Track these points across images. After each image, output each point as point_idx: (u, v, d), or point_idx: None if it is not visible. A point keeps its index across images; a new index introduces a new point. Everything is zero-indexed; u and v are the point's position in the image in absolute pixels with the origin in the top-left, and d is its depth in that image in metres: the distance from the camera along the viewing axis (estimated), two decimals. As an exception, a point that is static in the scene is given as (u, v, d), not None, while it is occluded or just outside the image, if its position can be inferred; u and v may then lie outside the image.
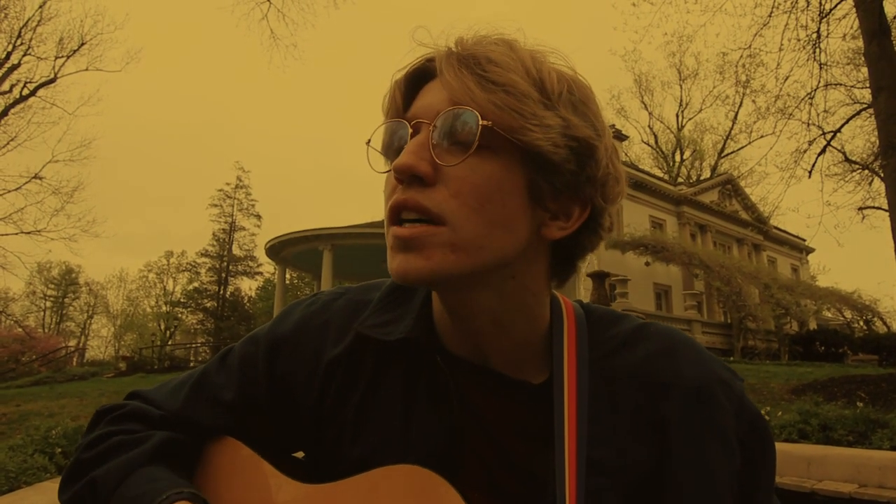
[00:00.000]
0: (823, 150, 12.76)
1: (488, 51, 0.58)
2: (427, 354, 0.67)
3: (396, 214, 0.59)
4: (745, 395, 0.66)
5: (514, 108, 0.56)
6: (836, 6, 11.41)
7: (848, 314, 27.24)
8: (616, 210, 0.66)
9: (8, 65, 22.46)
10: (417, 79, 0.63)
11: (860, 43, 11.31)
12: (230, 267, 40.56)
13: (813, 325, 26.18)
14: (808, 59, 11.79)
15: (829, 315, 28.79)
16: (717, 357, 0.69)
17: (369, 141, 0.64)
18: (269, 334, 0.75)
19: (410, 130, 0.60)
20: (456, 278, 0.59)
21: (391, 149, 0.62)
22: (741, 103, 22.12)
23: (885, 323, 26.17)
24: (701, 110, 42.50)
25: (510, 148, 0.57)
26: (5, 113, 22.52)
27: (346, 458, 0.68)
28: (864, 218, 15.84)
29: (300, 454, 0.77)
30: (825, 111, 12.88)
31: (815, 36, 11.55)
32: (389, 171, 0.60)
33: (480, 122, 0.56)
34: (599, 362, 0.66)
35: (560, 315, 0.69)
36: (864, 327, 26.18)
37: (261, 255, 36.26)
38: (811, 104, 12.22)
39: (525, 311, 0.66)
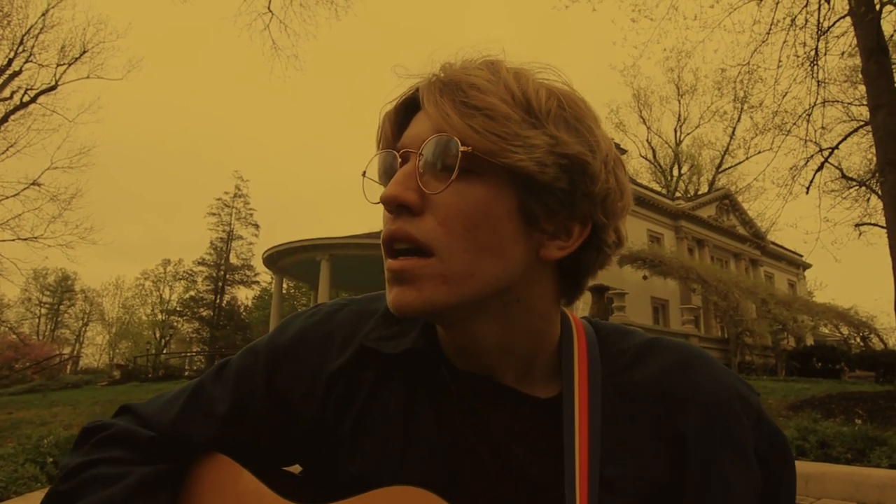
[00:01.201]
0: (821, 167, 12.81)
1: (470, 76, 0.58)
2: (431, 367, 0.65)
3: (389, 246, 0.59)
4: (762, 409, 0.64)
5: (493, 131, 0.56)
6: (834, 24, 11.51)
7: (845, 330, 27.23)
8: (623, 224, 0.64)
9: (9, 71, 22.54)
10: (407, 109, 0.63)
11: (858, 61, 11.41)
12: (227, 276, 40.54)
13: (810, 341, 26.15)
14: (806, 76, 11.87)
15: (826, 331, 28.76)
16: (732, 371, 0.67)
17: (365, 172, 0.64)
18: (269, 346, 0.73)
19: (399, 160, 0.60)
20: (450, 309, 0.58)
21: (385, 178, 0.63)
22: (739, 119, 22.21)
23: (881, 340, 26.18)
24: (699, 125, 42.59)
25: (496, 171, 0.57)
26: (5, 119, 22.55)
27: (345, 473, 0.66)
28: (861, 234, 15.86)
29: (296, 468, 0.75)
30: (823, 128, 12.92)
31: (813, 53, 11.64)
32: (379, 202, 0.60)
33: (460, 148, 0.55)
34: (612, 377, 0.65)
35: (570, 331, 0.68)
36: (861, 344, 26.17)
37: (258, 264, 36.18)
38: (809, 121, 12.28)
39: (532, 332, 0.64)
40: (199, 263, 41.03)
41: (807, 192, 12.75)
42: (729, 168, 39.49)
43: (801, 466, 4.99)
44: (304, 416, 0.69)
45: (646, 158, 42.39)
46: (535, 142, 0.56)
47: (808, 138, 12.47)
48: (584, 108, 0.62)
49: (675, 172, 41.68)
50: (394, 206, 0.58)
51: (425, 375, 0.66)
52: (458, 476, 0.62)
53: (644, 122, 41.46)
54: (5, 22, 21.92)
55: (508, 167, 0.56)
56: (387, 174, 0.63)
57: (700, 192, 36.26)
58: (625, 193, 0.63)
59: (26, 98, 23.11)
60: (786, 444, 0.64)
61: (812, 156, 12.71)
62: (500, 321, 0.62)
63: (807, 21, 11.53)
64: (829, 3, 11.27)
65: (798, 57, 11.76)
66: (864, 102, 11.76)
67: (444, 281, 0.57)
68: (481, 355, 0.64)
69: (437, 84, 0.59)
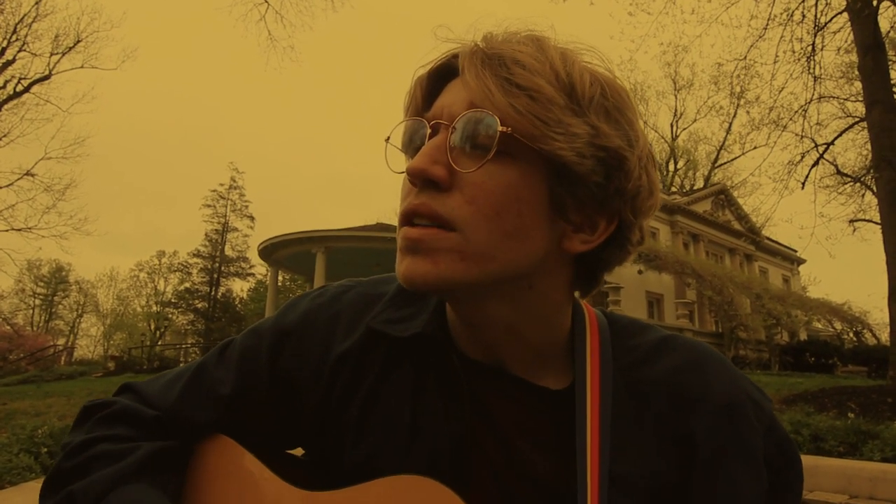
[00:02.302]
0: (816, 163, 12.85)
1: (515, 51, 0.56)
2: (440, 353, 0.64)
3: (408, 219, 0.57)
4: (774, 416, 0.63)
5: (536, 114, 0.53)
6: (831, 20, 11.52)
7: (838, 325, 27.31)
8: (647, 223, 0.62)
9: (2, 60, 22.33)
10: (440, 76, 0.61)
11: (854, 57, 11.42)
12: (222, 268, 40.35)
13: (803, 336, 26.25)
14: (802, 72, 11.89)
15: (820, 326, 28.87)
16: (746, 375, 0.65)
17: (388, 138, 0.62)
18: (274, 326, 0.72)
19: (429, 131, 0.58)
20: (463, 287, 0.56)
21: (410, 147, 0.61)
22: (735, 114, 22.30)
23: (874, 335, 26.25)
24: (695, 120, 42.44)
25: (532, 156, 0.55)
26: (-2, 108, 22.37)
27: (350, 457, 0.65)
28: (855, 230, 15.93)
29: (299, 451, 0.74)
30: (818, 124, 12.97)
31: (809, 49, 11.66)
32: (404, 172, 0.58)
33: (499, 128, 0.53)
34: (624, 372, 0.63)
35: (582, 321, 0.67)
36: (854, 339, 26.28)
37: (253, 256, 35.98)
38: (805, 116, 12.33)
39: (542, 321, 0.63)
40: (194, 255, 40.86)
41: (802, 188, 12.80)
42: (725, 163, 39.60)
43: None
44: (308, 399, 0.68)
45: (642, 153, 42.23)
46: (576, 130, 0.54)
47: (803, 134, 12.54)
48: (627, 98, 0.60)
49: (671, 167, 41.71)
50: (420, 180, 0.56)
51: (434, 361, 0.65)
52: (463, 468, 0.61)
53: (640, 117, 41.38)
54: (-2, 10, 21.71)
55: (546, 153, 0.54)
56: (412, 143, 0.60)
57: (696, 188, 36.31)
58: (654, 192, 0.61)
59: (20, 87, 22.96)
60: (796, 454, 0.63)
61: (808, 151, 12.77)
62: (512, 306, 0.60)
63: (804, 16, 11.55)
64: (826, -1, 11.28)
65: (794, 52, 11.79)
66: (860, 99, 11.78)
67: (462, 258, 0.55)
68: (490, 341, 0.63)
69: (478, 54, 0.56)
